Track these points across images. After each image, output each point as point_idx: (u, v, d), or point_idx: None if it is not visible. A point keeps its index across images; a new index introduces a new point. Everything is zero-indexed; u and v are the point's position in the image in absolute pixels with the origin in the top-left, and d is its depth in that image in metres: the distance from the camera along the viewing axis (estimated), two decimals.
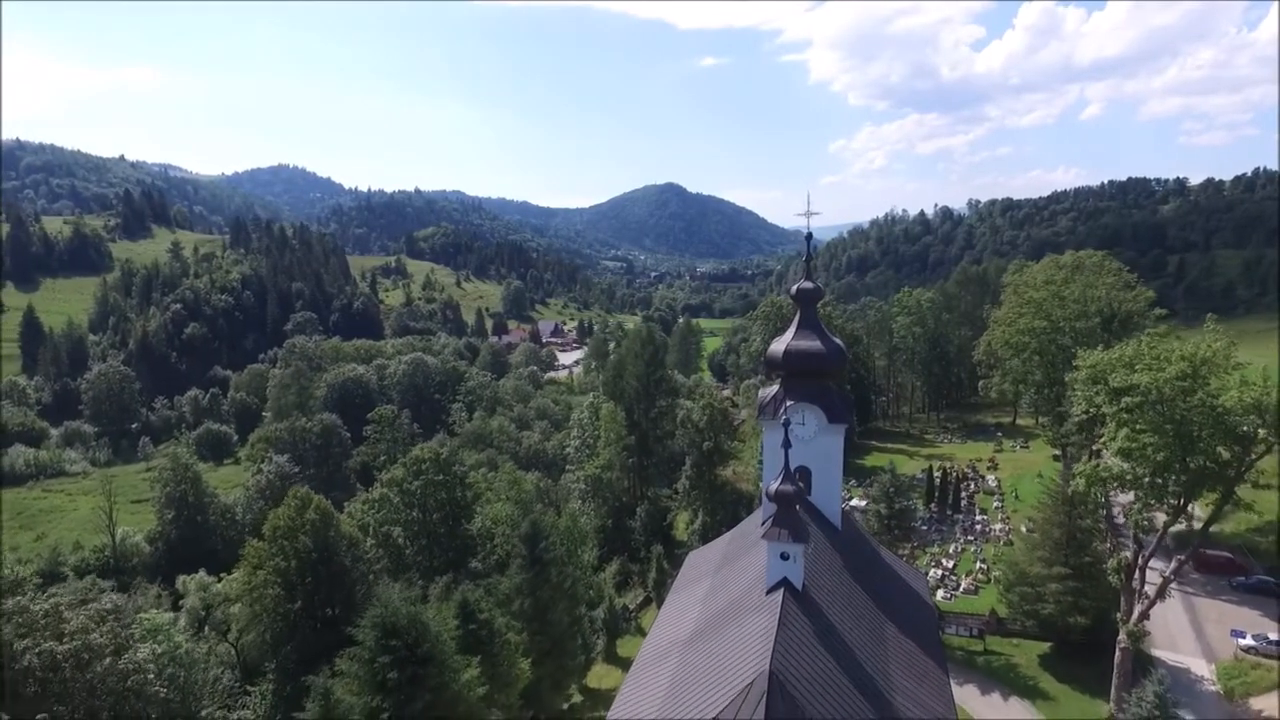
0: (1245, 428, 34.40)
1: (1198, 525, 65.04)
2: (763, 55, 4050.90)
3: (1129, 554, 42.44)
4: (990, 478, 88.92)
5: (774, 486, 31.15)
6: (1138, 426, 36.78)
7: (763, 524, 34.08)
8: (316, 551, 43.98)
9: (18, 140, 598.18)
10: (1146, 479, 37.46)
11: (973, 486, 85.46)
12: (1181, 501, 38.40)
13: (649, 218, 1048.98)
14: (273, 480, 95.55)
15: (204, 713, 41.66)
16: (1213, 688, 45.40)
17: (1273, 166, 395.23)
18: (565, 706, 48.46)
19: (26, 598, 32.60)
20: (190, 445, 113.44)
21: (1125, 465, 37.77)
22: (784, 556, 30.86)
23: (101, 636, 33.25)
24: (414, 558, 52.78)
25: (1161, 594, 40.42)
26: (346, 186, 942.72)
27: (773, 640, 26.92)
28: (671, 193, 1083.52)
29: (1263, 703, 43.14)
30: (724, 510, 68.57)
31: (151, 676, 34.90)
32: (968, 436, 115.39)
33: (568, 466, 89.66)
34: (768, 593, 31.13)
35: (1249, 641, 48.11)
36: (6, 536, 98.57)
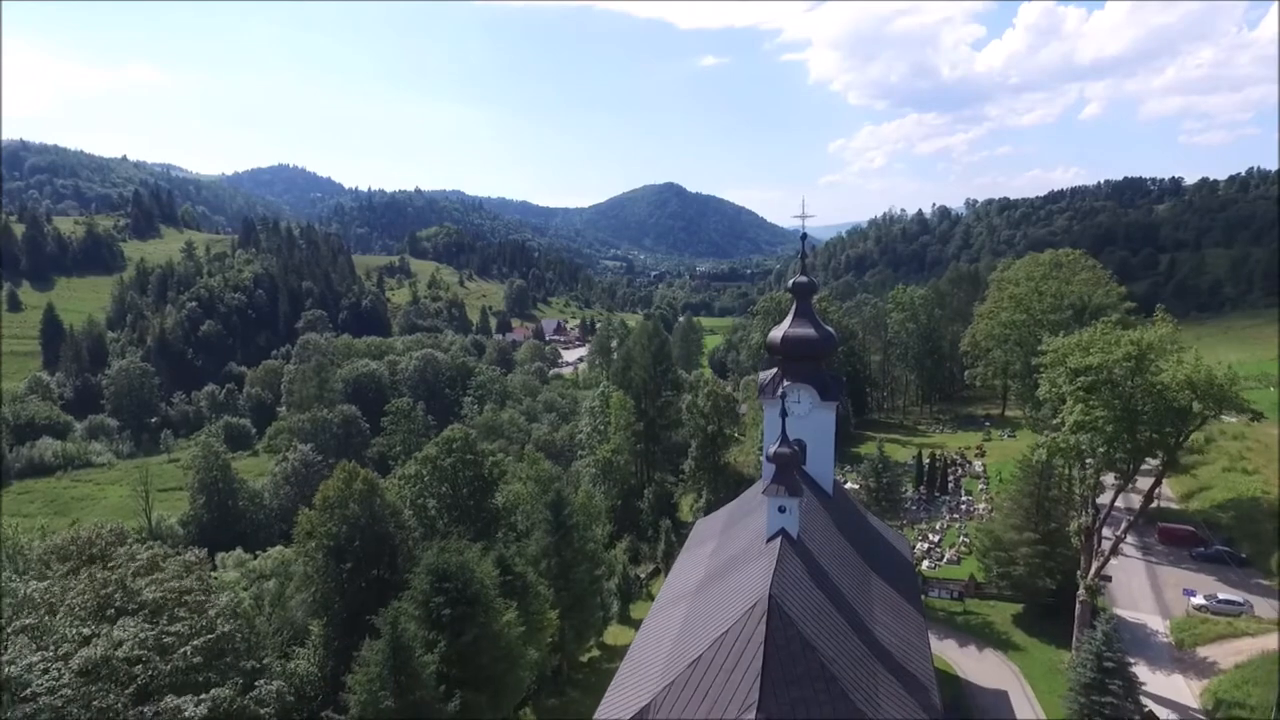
0: (1180, 402, 39.63)
1: (1159, 497, 70.84)
2: (763, 55, 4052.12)
3: (1087, 519, 47.72)
4: (977, 463, 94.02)
5: (773, 449, 36.55)
6: (1091, 402, 42.10)
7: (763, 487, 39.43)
8: (364, 517, 49.18)
9: (21, 141, 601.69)
10: (1101, 449, 42.75)
11: (960, 471, 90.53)
12: (1130, 468, 43.69)
13: (648, 217, 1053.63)
14: (298, 468, 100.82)
15: (265, 660, 46.81)
16: (1166, 640, 50.73)
17: (1269, 165, 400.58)
18: (585, 659, 53.81)
19: (130, 546, 37.78)
20: (220, 434, 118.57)
21: (1082, 437, 43.01)
22: (781, 509, 36.29)
23: (190, 582, 38.43)
24: (446, 528, 57.94)
25: (1114, 551, 45.74)
26: (346, 186, 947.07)
27: (771, 574, 32.31)
28: (671, 192, 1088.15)
29: (1207, 651, 48.52)
30: (727, 490, 73.70)
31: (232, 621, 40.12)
32: (958, 427, 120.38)
33: (580, 452, 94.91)
34: (767, 541, 36.51)
35: (1200, 600, 53.38)
36: (44, 522, 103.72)
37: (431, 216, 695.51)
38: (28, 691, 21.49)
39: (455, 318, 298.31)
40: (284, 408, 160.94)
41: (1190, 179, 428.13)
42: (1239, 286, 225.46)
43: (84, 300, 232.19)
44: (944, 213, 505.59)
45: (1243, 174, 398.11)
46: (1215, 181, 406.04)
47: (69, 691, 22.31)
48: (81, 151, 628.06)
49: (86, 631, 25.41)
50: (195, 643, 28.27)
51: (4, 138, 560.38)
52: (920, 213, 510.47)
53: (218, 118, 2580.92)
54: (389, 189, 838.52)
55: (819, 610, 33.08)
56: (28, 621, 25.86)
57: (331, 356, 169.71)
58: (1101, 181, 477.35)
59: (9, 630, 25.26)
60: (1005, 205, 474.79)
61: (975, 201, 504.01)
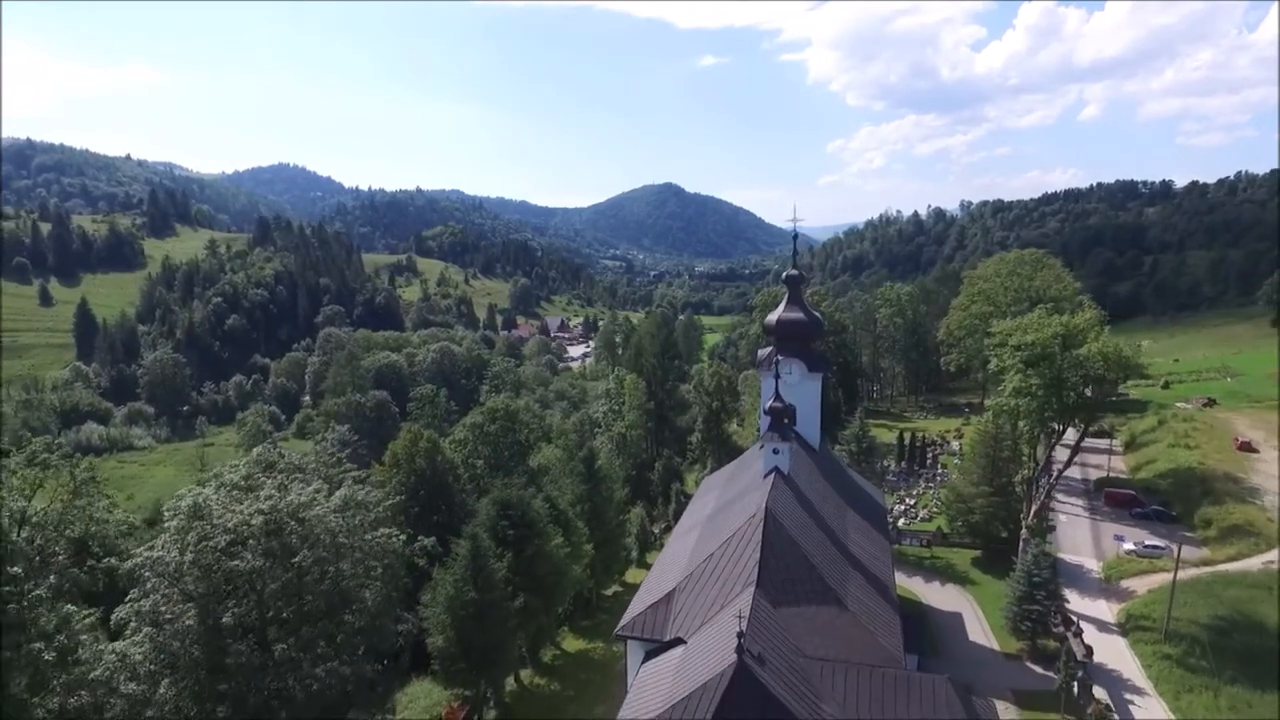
0: (1096, 371, 49.49)
1: (1111, 470, 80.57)
2: (762, 55, 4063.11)
3: (1029, 471, 57.65)
4: (955, 444, 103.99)
5: (768, 404, 46.34)
6: (1028, 372, 51.98)
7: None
8: (428, 470, 58.98)
9: (28, 140, 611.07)
10: (1035, 411, 52.63)
11: (939, 450, 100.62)
12: (1060, 427, 53.60)
13: (647, 217, 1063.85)
14: (336, 448, 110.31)
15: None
16: (1097, 576, 60.78)
17: (1265, 168, 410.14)
18: (610, 593, 63.68)
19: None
20: (265, 415, 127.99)
21: (1020, 400, 52.87)
22: (775, 451, 46.09)
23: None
24: (490, 485, 67.70)
25: (1049, 494, 55.65)
26: (347, 185, 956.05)
27: (767, 496, 42.10)
28: (670, 192, 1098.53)
29: (1129, 583, 58.61)
30: (730, 461, 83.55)
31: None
32: (941, 414, 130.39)
33: (595, 430, 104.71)
34: (763, 477, 46.28)
35: (1129, 546, 63.39)
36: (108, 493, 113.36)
37: (432, 216, 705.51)
38: (312, 514, 31.62)
39: (464, 314, 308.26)
40: (308, 396, 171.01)
41: (1187, 181, 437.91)
42: (1216, 287, 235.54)
43: (110, 295, 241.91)
44: (939, 214, 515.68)
45: (1231, 178, 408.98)
46: (1205, 185, 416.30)
47: (337, 518, 32.67)
48: (87, 150, 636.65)
49: (328, 487, 35.58)
50: (387, 503, 38.41)
51: (8, 137, 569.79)
52: (916, 214, 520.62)
53: (217, 117, 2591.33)
54: (389, 188, 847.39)
55: (804, 523, 42.89)
56: (298, 475, 36.40)
57: (354, 349, 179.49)
58: (1094, 184, 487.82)
59: (287, 479, 35.61)
60: (999, 207, 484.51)
61: (970, 203, 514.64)
